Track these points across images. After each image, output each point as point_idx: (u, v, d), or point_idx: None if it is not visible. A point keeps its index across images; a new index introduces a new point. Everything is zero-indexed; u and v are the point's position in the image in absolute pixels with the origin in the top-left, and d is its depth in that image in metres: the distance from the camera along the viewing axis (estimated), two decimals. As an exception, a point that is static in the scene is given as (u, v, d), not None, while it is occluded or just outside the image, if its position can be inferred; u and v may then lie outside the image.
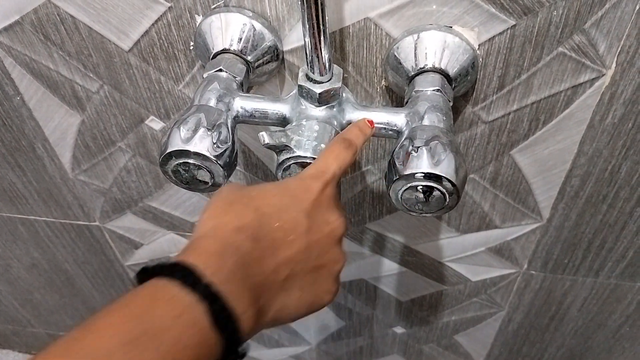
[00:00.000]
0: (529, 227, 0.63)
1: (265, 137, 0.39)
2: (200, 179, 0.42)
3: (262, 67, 0.49)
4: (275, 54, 0.49)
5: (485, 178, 0.58)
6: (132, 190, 0.70)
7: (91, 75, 0.55)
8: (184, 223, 0.74)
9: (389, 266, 0.74)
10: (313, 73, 0.41)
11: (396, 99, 0.52)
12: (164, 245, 0.79)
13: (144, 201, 0.71)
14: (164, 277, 0.27)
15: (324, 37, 0.39)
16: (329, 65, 0.41)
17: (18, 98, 0.60)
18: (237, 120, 0.45)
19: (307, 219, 0.33)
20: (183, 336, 0.25)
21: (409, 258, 0.72)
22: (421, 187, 0.39)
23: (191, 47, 0.50)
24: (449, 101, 0.45)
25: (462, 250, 0.69)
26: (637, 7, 0.41)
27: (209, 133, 0.41)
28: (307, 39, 0.39)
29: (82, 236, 0.81)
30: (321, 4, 0.37)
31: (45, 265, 0.90)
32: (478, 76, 0.48)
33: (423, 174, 0.38)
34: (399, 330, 0.88)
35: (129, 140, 0.62)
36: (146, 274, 0.28)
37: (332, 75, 0.42)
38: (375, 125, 0.43)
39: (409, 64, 0.46)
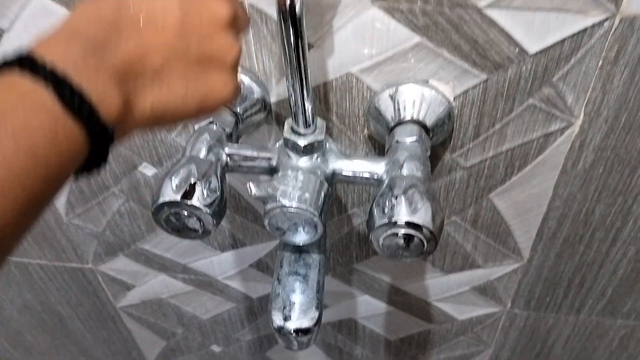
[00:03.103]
0: (511, 267, 0.65)
1: (252, 189, 0.41)
2: (190, 227, 0.44)
3: (251, 117, 0.52)
4: (263, 106, 0.51)
5: (466, 220, 0.61)
6: (125, 233, 0.71)
7: (87, 125, 0.58)
8: (176, 265, 0.76)
9: (377, 306, 0.76)
10: (297, 126, 0.44)
11: (378, 146, 0.54)
12: (155, 286, 0.81)
13: (137, 244, 0.73)
14: (2, 69, 0.25)
15: (307, 93, 0.41)
16: (313, 119, 0.44)
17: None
18: (226, 170, 0.47)
19: (180, 6, 0.30)
20: (30, 118, 0.24)
21: (397, 298, 0.74)
22: (401, 234, 0.41)
23: (183, 100, 0.53)
24: (427, 150, 0.47)
25: (447, 290, 0.71)
26: (600, 63, 0.44)
27: (199, 183, 0.43)
28: (292, 95, 0.42)
29: (75, 278, 0.82)
30: (304, 63, 0.40)
31: (38, 307, 0.90)
32: (454, 126, 0.51)
33: (402, 223, 0.41)
34: (389, 368, 0.89)
35: (122, 186, 0.65)
36: None
37: (315, 128, 0.44)
38: (358, 174, 0.46)
39: (389, 115, 0.49)
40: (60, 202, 0.68)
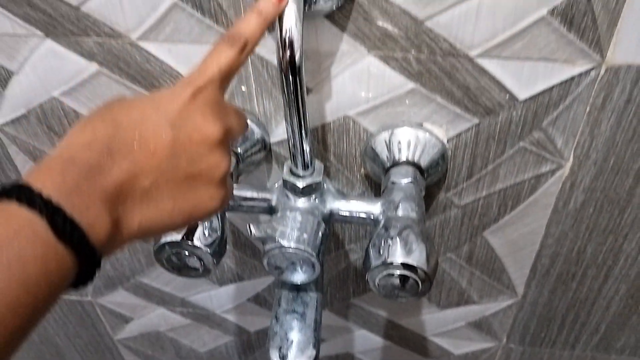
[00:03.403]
0: (505, 303, 0.66)
1: (252, 230, 0.42)
2: (191, 266, 0.46)
3: (251, 157, 0.53)
4: (263, 146, 0.53)
5: (461, 257, 0.62)
6: (125, 267, 0.72)
7: (91, 162, 0.59)
8: (174, 298, 0.76)
9: (374, 340, 0.76)
10: (296, 168, 0.45)
11: (374, 184, 0.56)
12: (154, 319, 0.81)
13: (136, 277, 0.74)
14: (1, 199, 0.26)
15: (306, 137, 0.43)
16: (311, 161, 0.45)
17: (20, 182, 0.63)
18: (227, 209, 0.48)
19: (172, 129, 0.31)
20: (25, 250, 0.25)
21: (393, 332, 0.74)
22: (396, 275, 0.42)
23: (185, 139, 0.55)
24: (422, 191, 0.49)
25: (443, 325, 0.71)
26: (588, 109, 0.46)
27: (200, 223, 0.44)
28: (291, 139, 0.43)
29: (73, 311, 0.82)
30: (303, 109, 0.41)
31: (36, 338, 0.91)
32: (449, 166, 0.52)
33: (397, 264, 0.42)
34: (386, 403, 0.89)
35: (123, 221, 0.66)
36: None
37: (313, 170, 0.46)
38: (354, 214, 0.47)
39: (384, 156, 0.50)
40: (62, 236, 0.69)
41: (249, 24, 0.34)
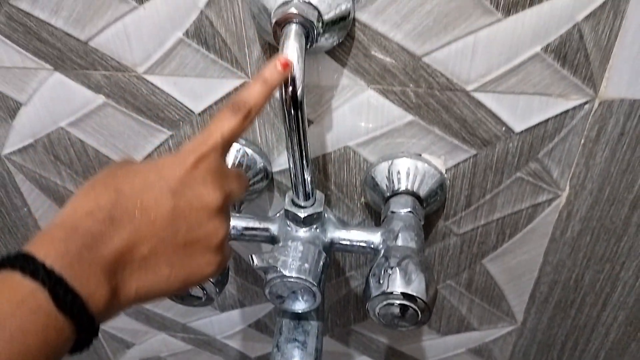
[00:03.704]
0: (505, 330, 0.67)
1: (255, 260, 0.43)
2: (194, 295, 0.46)
3: (253, 186, 0.54)
4: (265, 175, 0.54)
5: (461, 284, 0.62)
6: (127, 293, 0.73)
7: (95, 190, 0.60)
8: (176, 324, 0.77)
9: (374, 366, 0.76)
10: (298, 199, 0.46)
11: (374, 213, 0.57)
12: (155, 345, 0.81)
13: (138, 303, 0.74)
14: (7, 268, 0.27)
15: (307, 168, 0.44)
16: (312, 192, 0.46)
17: (25, 209, 0.64)
18: (230, 238, 0.49)
19: (173, 197, 0.32)
20: (27, 322, 0.26)
21: (394, 359, 0.74)
22: (396, 304, 0.43)
23: (189, 169, 0.56)
24: (421, 220, 0.50)
25: (444, 351, 0.72)
26: (583, 141, 0.47)
27: (203, 253, 0.45)
28: (293, 170, 0.44)
29: (75, 336, 0.83)
30: (305, 142, 0.42)
31: (36, 364, 0.91)
32: (447, 196, 0.53)
33: (397, 293, 0.42)
34: None
35: (127, 247, 0.66)
36: None
37: (314, 201, 0.47)
38: (355, 243, 0.48)
39: (384, 185, 0.51)
40: (65, 262, 0.70)
41: (253, 92, 0.35)
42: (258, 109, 0.35)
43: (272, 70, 0.36)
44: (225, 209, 0.34)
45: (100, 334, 0.81)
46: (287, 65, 0.37)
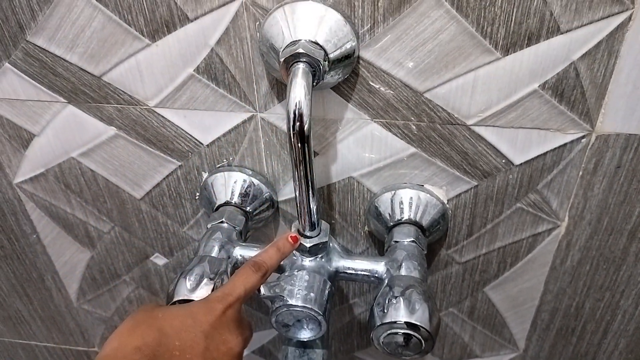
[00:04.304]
0: (507, 357, 0.67)
1: (262, 289, 0.44)
2: (201, 323, 0.47)
3: (260, 215, 0.56)
4: (271, 204, 0.55)
5: (463, 312, 0.63)
6: (133, 318, 0.74)
7: (104, 218, 0.61)
8: (180, 350, 0.77)
9: (378, 393, 0.77)
10: (304, 229, 0.47)
11: (378, 241, 0.58)
12: (159, 370, 0.82)
13: (143, 329, 0.75)
14: None
15: (313, 200, 0.45)
16: (318, 222, 0.47)
17: (34, 236, 0.66)
18: (237, 267, 0.50)
19: (205, 339, 0.38)
20: None
21: (396, 385, 0.75)
22: (400, 334, 0.44)
23: (196, 198, 0.57)
24: (424, 249, 0.51)
25: (446, 378, 0.72)
26: (581, 173, 0.49)
27: (211, 282, 0.46)
28: (298, 201, 0.46)
29: (79, 361, 0.83)
30: (311, 175, 0.44)
31: (40, 390, 0.91)
32: (449, 225, 0.54)
33: (401, 323, 0.43)
34: None
35: (133, 274, 0.67)
36: None
37: (320, 231, 0.48)
38: (359, 272, 0.49)
39: (387, 215, 0.53)
40: (72, 288, 0.71)
41: (271, 257, 0.44)
42: (272, 270, 0.44)
43: (285, 242, 0.46)
44: (242, 353, 0.41)
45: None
46: (296, 240, 0.46)
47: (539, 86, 0.43)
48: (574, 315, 0.61)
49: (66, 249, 0.66)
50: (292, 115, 0.40)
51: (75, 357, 0.82)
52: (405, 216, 0.52)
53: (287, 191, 0.55)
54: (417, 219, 0.52)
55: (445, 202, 0.52)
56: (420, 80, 0.44)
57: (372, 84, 0.45)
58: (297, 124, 0.40)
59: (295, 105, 0.39)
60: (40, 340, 0.81)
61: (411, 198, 0.52)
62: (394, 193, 0.52)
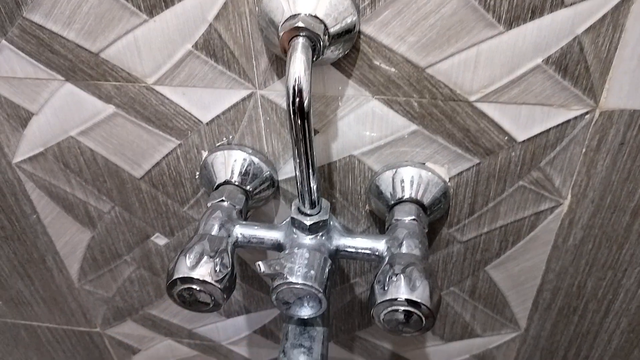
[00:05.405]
0: (509, 336, 0.67)
1: (262, 267, 0.44)
2: (202, 300, 0.47)
3: (260, 194, 0.55)
4: (272, 183, 0.55)
5: (464, 291, 0.63)
6: (134, 299, 0.74)
7: (104, 198, 0.61)
8: (182, 330, 0.77)
9: (379, 372, 0.77)
10: (304, 207, 0.47)
11: (379, 220, 0.58)
12: (160, 350, 0.82)
13: (145, 309, 0.75)
14: None
15: (313, 177, 0.45)
16: (318, 200, 0.47)
17: (34, 216, 0.65)
18: (237, 245, 0.50)
19: None
20: None
21: (397, 364, 0.75)
22: (401, 311, 0.44)
23: (196, 177, 0.57)
24: (425, 228, 0.50)
25: (447, 358, 0.72)
26: (584, 150, 0.48)
27: (211, 260, 0.46)
28: (299, 179, 0.45)
29: (82, 342, 0.84)
30: (311, 152, 0.43)
31: (43, 370, 0.92)
32: (451, 204, 0.54)
33: (402, 300, 0.43)
34: None
35: (134, 254, 0.67)
36: None
37: (320, 209, 0.48)
38: (360, 250, 0.49)
39: (388, 194, 0.52)
40: (74, 268, 0.71)
41: None
42: None
43: None
44: None
45: (106, 339, 0.82)
46: None
47: (542, 61, 0.42)
48: (576, 294, 0.61)
49: (67, 229, 0.66)
50: (291, 91, 0.39)
51: (77, 338, 0.83)
52: (407, 194, 0.52)
53: (288, 170, 0.55)
54: (419, 198, 0.52)
55: (447, 180, 0.52)
56: (422, 56, 0.44)
57: (373, 59, 0.44)
58: (297, 99, 0.39)
59: (295, 81, 0.39)
60: (42, 321, 0.81)
61: (412, 176, 0.51)
62: (395, 171, 0.52)
